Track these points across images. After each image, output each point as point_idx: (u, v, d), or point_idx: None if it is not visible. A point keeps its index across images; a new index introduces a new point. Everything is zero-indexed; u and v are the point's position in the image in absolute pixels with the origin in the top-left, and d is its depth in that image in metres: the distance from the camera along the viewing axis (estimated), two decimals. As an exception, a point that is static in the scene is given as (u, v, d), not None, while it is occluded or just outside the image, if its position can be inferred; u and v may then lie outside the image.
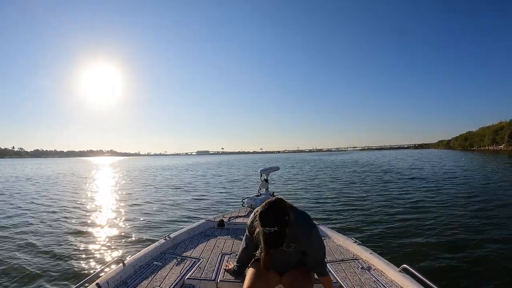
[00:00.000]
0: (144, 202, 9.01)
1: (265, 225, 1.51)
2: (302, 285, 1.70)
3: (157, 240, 2.69)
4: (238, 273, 2.05)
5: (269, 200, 1.59)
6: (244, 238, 1.92)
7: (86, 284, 1.72)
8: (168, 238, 2.71)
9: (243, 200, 4.15)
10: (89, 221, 6.53)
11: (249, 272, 1.80)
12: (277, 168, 4.56)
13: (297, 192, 10.48)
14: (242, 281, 1.97)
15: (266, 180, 4.13)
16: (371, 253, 2.37)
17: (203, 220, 3.41)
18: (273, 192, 4.03)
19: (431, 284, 1.65)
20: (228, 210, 4.87)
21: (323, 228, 3.12)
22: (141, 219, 6.67)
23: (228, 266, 2.16)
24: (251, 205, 3.84)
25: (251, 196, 4.04)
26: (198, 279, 2.04)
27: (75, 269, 3.84)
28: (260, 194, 4.04)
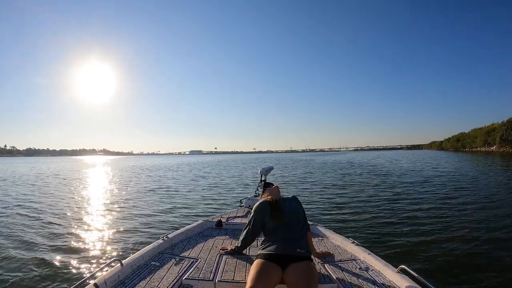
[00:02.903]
0: (141, 203, 8.98)
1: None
2: (306, 284, 1.66)
3: (155, 240, 2.68)
4: (239, 252, 2.38)
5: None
6: (249, 219, 2.28)
7: (84, 284, 1.71)
8: (166, 238, 2.70)
9: (241, 200, 4.16)
10: (85, 222, 6.50)
11: (252, 271, 1.78)
12: (272, 168, 4.59)
13: (294, 193, 10.49)
14: (241, 281, 1.97)
15: (265, 180, 4.13)
16: (369, 254, 2.37)
17: (201, 220, 3.40)
18: None
19: (429, 285, 1.66)
20: (226, 210, 4.86)
21: (321, 229, 3.13)
22: (139, 219, 6.64)
23: (227, 249, 2.44)
24: (249, 206, 3.84)
25: (249, 196, 4.04)
26: (196, 279, 2.03)
27: (73, 269, 3.81)
28: (258, 194, 4.04)
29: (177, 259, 2.35)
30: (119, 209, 7.97)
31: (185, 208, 7.99)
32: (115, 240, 5.06)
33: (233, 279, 2.01)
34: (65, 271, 3.76)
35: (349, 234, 4.59)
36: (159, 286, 1.91)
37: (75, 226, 6.04)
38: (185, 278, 2.04)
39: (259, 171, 4.15)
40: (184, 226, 3.23)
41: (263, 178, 4.13)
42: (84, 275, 3.48)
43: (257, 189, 4.15)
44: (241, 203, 4.11)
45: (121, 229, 5.75)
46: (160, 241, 2.63)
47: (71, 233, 5.51)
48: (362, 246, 2.56)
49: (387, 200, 8.47)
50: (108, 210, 7.86)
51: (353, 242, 2.64)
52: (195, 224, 3.27)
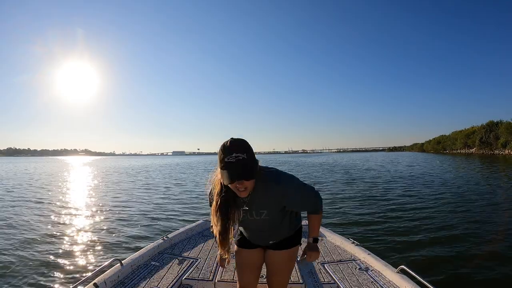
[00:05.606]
0: (141, 203, 8.98)
1: (232, 151, 1.20)
2: (280, 268, 1.60)
3: (155, 240, 2.69)
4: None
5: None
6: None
7: (84, 284, 1.71)
8: (166, 238, 2.71)
9: None
10: (84, 222, 6.50)
11: (236, 265, 1.70)
12: None
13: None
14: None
15: None
16: (368, 254, 2.38)
17: (201, 220, 3.40)
18: None
19: (429, 285, 1.66)
20: None
21: (320, 229, 3.13)
22: (138, 220, 6.64)
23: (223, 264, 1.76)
24: None
25: None
26: (195, 279, 2.04)
27: (72, 269, 3.81)
28: None
29: (177, 259, 2.36)
30: (117, 209, 7.97)
31: (184, 208, 8.00)
32: (114, 240, 5.06)
33: (233, 279, 2.01)
34: (65, 271, 3.76)
35: (348, 234, 4.60)
36: (159, 286, 1.92)
37: (75, 226, 6.04)
38: (185, 278, 2.04)
39: None
40: (184, 226, 3.23)
41: None
42: (84, 275, 3.48)
43: None
44: None
45: (121, 229, 5.75)
46: (160, 241, 2.64)
47: (70, 233, 5.51)
48: (362, 246, 2.56)
49: (387, 200, 8.47)
50: (107, 211, 7.86)
51: (353, 242, 2.64)
52: (195, 224, 3.28)
